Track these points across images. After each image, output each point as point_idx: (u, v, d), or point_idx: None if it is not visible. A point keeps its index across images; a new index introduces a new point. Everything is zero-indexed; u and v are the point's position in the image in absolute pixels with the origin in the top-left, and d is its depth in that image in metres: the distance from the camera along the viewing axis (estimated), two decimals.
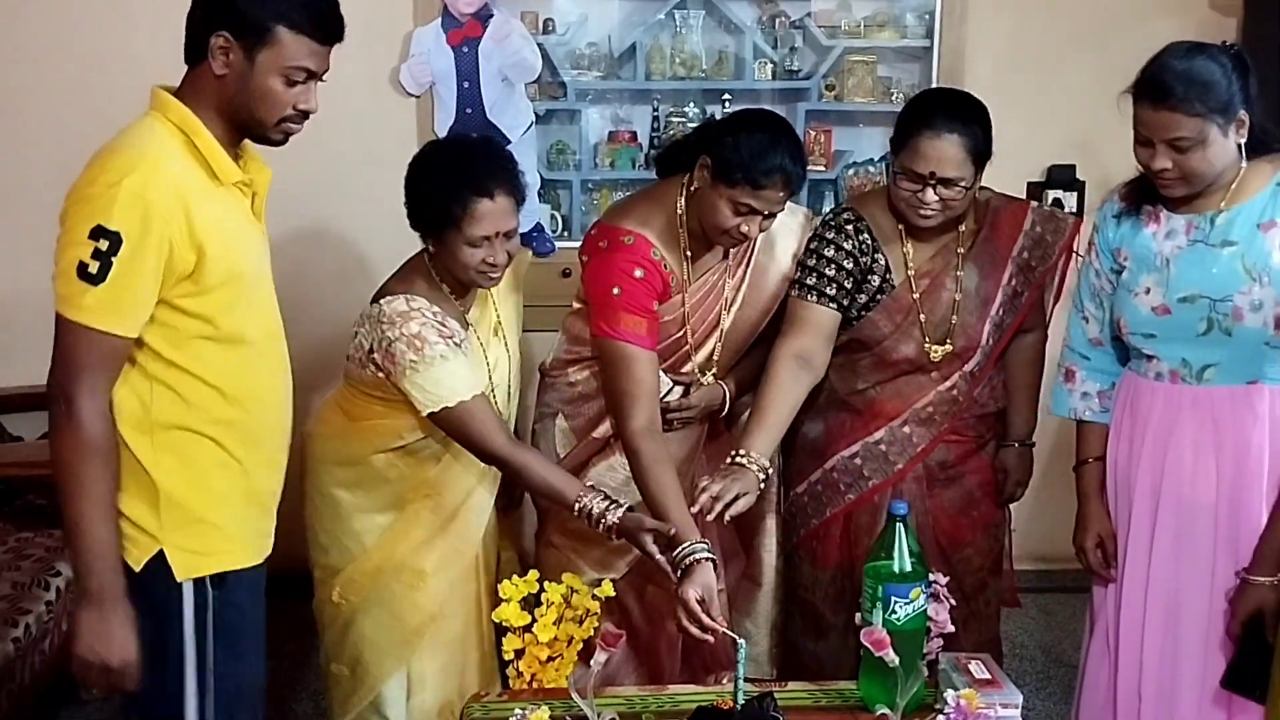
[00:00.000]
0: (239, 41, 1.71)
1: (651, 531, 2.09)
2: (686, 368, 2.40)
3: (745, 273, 2.40)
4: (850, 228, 2.38)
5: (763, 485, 2.25)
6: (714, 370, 2.41)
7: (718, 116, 3.71)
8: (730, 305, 2.38)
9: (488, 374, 2.21)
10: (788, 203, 2.42)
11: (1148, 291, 2.10)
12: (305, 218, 3.14)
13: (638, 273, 2.26)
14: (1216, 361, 2.06)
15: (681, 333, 2.37)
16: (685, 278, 2.33)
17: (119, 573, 1.71)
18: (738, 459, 2.24)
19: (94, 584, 1.69)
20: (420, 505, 2.23)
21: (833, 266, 2.36)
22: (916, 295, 2.36)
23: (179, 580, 1.77)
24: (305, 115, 1.78)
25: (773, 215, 2.22)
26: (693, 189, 2.27)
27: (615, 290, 2.26)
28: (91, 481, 1.67)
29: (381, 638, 2.26)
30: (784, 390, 2.31)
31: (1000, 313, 2.39)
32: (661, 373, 2.37)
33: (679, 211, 2.30)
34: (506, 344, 2.31)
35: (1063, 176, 3.58)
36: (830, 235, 2.38)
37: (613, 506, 2.11)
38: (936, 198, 2.24)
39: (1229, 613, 2.07)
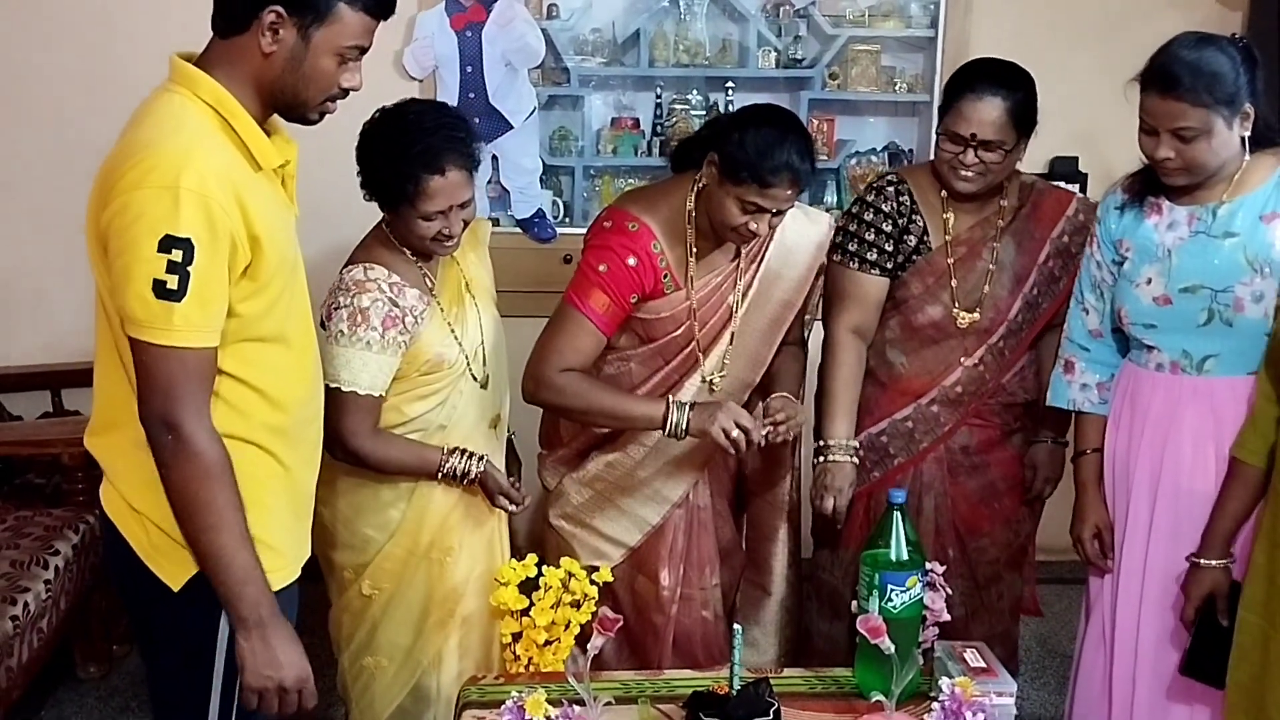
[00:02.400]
0: (293, 18, 1.57)
1: (504, 493, 2.24)
2: (696, 374, 2.36)
3: (755, 275, 2.35)
4: (891, 190, 2.43)
5: (856, 462, 2.41)
6: (725, 375, 2.36)
7: (721, 104, 3.72)
8: (739, 307, 2.35)
9: (453, 336, 2.20)
10: (811, 213, 2.43)
11: (1149, 282, 2.11)
12: (305, 201, 3.14)
13: (631, 260, 2.25)
14: (1217, 352, 2.07)
15: (687, 329, 2.33)
16: (690, 274, 2.31)
17: (269, 592, 1.63)
18: (829, 459, 2.40)
19: (247, 611, 1.61)
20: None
21: (871, 230, 2.41)
22: (951, 261, 2.39)
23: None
24: (346, 94, 1.67)
25: (782, 213, 2.20)
26: (702, 186, 2.25)
27: (601, 268, 2.25)
28: (223, 508, 1.58)
29: (421, 619, 2.25)
30: (850, 370, 2.43)
31: (1035, 291, 2.41)
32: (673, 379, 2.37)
33: (688, 207, 2.28)
34: (477, 303, 2.28)
35: (1065, 168, 3.57)
36: (870, 198, 2.44)
37: (475, 460, 2.20)
38: (977, 160, 2.28)
39: (1181, 599, 2.10)
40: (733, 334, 2.35)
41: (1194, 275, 2.06)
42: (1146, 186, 2.14)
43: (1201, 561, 2.05)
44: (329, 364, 2.08)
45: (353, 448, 2.13)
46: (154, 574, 1.65)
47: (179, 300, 1.51)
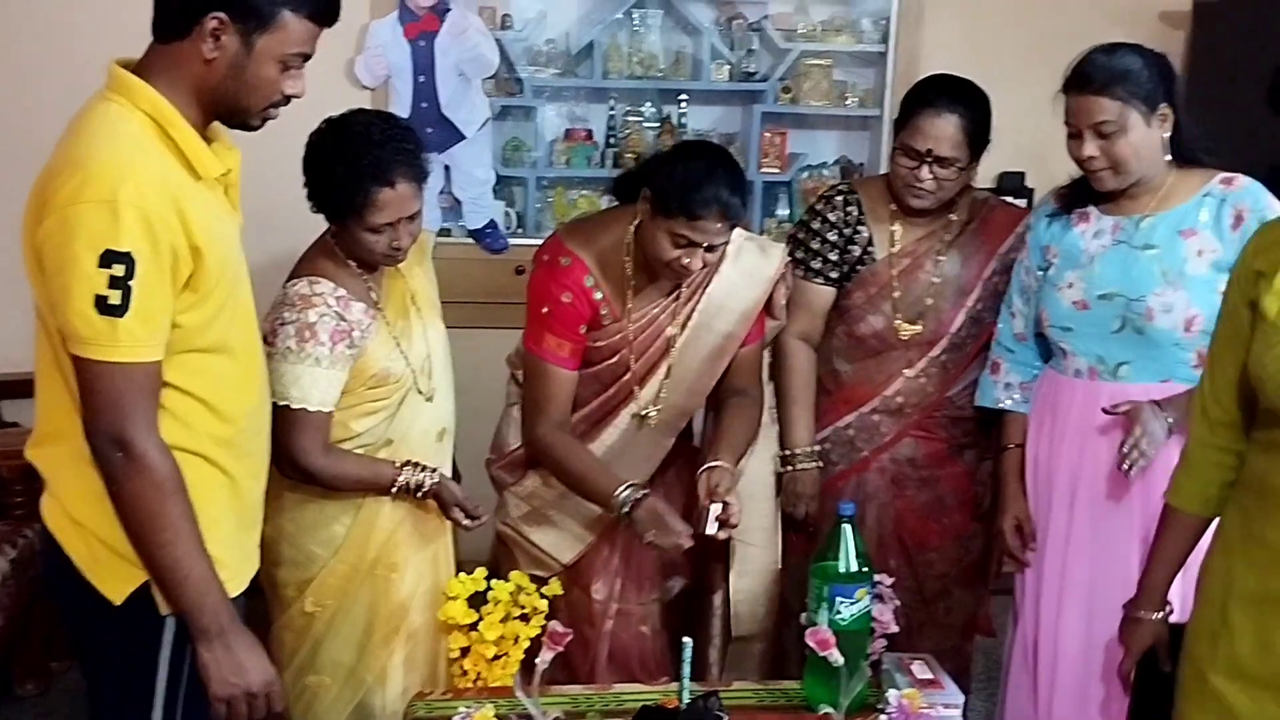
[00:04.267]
0: (236, 24, 1.55)
1: (459, 505, 2.23)
2: (630, 406, 2.34)
3: (695, 307, 2.32)
4: (839, 199, 2.48)
5: (821, 465, 2.45)
6: (660, 409, 2.34)
7: (674, 117, 3.73)
8: (678, 339, 2.32)
9: (399, 350, 2.18)
10: (768, 246, 2.41)
11: (1070, 286, 2.18)
12: (251, 209, 3.11)
13: (565, 297, 2.25)
14: (1130, 359, 2.13)
15: (622, 358, 2.32)
16: (627, 306, 2.29)
17: (227, 600, 1.63)
18: (796, 467, 2.44)
19: (208, 621, 1.60)
20: (380, 495, 2.21)
21: (817, 239, 2.46)
22: (895, 272, 2.42)
23: (162, 614, 1.63)
24: (289, 100, 1.65)
25: (714, 248, 2.17)
26: (638, 221, 2.24)
27: (544, 309, 2.27)
28: (177, 521, 1.57)
29: (365, 636, 2.23)
30: (803, 375, 2.48)
31: (979, 306, 2.44)
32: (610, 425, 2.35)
33: (627, 240, 2.27)
34: (423, 316, 2.26)
35: (1013, 183, 3.62)
36: (819, 207, 2.49)
37: (429, 473, 2.19)
38: (931, 176, 2.31)
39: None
40: (670, 366, 2.33)
41: (1112, 283, 2.12)
42: (1077, 196, 2.22)
43: (1141, 615, 1.94)
44: (277, 382, 2.05)
45: (305, 465, 2.10)
46: (95, 588, 1.63)
47: (122, 315, 1.49)
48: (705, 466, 2.25)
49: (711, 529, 2.15)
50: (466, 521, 2.26)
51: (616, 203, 2.40)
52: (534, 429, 2.31)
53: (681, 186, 2.11)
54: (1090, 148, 2.08)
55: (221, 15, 1.55)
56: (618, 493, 2.19)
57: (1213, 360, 1.82)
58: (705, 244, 2.14)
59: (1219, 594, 1.72)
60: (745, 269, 2.34)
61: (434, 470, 2.21)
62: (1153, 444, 2.06)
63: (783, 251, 2.41)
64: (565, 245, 2.29)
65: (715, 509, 2.15)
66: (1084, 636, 2.18)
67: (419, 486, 2.18)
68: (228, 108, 1.62)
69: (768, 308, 2.40)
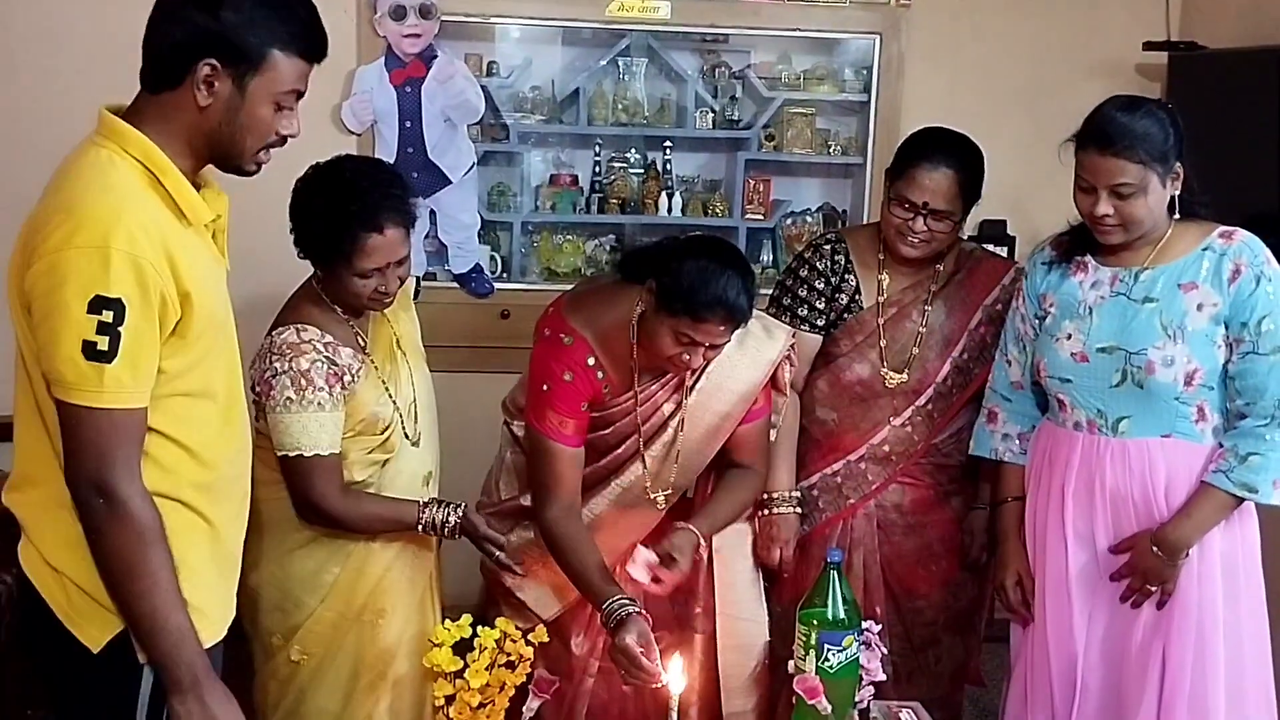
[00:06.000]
0: (227, 69, 1.55)
1: (488, 539, 2.18)
2: (633, 475, 2.31)
3: (693, 386, 2.29)
4: (827, 248, 2.49)
5: (800, 512, 2.44)
6: (668, 491, 2.31)
7: (659, 163, 3.76)
8: (675, 418, 2.29)
9: (388, 394, 2.18)
10: (773, 327, 2.36)
11: (1069, 337, 2.16)
12: (240, 254, 3.10)
13: (567, 376, 2.22)
14: (1130, 414, 2.11)
15: (616, 433, 2.30)
16: (630, 386, 2.26)
17: (202, 652, 1.61)
18: (774, 511, 2.40)
19: (183, 673, 1.58)
20: (370, 541, 2.19)
21: (805, 287, 2.47)
22: (881, 321, 2.43)
23: (141, 663, 1.61)
24: (284, 141, 1.65)
25: (717, 347, 2.15)
26: (642, 309, 2.20)
27: (545, 387, 2.23)
28: (156, 570, 1.55)
29: (351, 683, 2.20)
30: (787, 422, 2.44)
31: (964, 356, 2.45)
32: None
33: (632, 321, 2.22)
34: (409, 360, 2.26)
35: (995, 231, 3.65)
36: (807, 254, 2.51)
37: (453, 508, 2.16)
38: (926, 228, 2.33)
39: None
40: (666, 444, 2.30)
41: (1111, 335, 2.12)
42: (1075, 245, 2.21)
43: None
44: (282, 434, 2.05)
45: (327, 510, 2.08)
46: (73, 636, 1.61)
47: (110, 361, 1.49)
48: (676, 526, 2.24)
49: (636, 571, 2.14)
50: (499, 553, 2.22)
51: (618, 275, 2.34)
52: (543, 511, 2.25)
53: (689, 286, 2.07)
54: (1105, 206, 2.05)
55: (213, 62, 1.55)
56: (607, 604, 2.12)
57: None
58: (707, 344, 2.12)
59: None
60: (748, 351, 2.30)
61: (458, 505, 2.18)
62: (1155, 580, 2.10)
63: (788, 334, 2.37)
64: (568, 322, 2.25)
65: (649, 555, 2.14)
66: (1104, 685, 2.16)
67: (444, 523, 2.15)
68: (223, 152, 1.62)
69: (774, 384, 2.36)
